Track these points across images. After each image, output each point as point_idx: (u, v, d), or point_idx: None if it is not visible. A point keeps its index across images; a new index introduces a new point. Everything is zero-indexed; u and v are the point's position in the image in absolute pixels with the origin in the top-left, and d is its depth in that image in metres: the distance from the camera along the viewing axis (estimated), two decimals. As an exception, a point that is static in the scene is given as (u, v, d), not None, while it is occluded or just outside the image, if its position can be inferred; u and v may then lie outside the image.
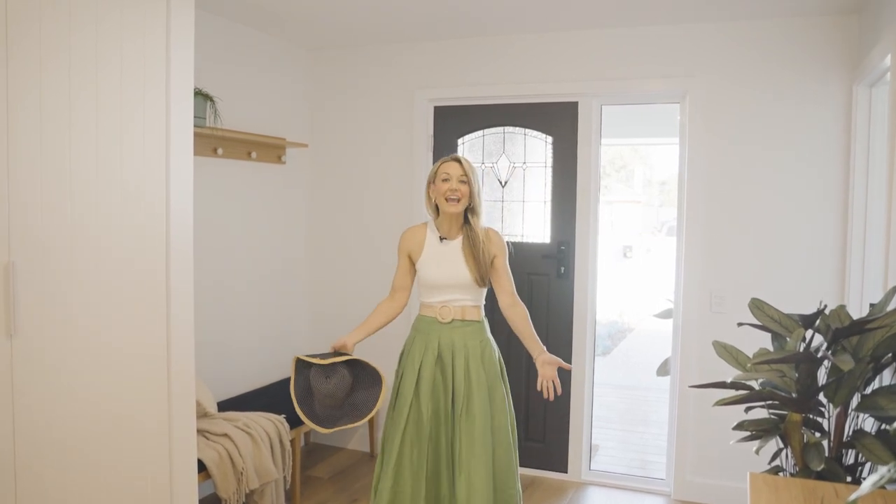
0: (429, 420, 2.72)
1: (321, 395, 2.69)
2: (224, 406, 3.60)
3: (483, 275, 2.79)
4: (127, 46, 2.33)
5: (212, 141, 3.66)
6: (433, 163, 4.25)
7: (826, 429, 2.26)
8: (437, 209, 2.84)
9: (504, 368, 2.92)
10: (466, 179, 2.75)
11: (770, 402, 2.30)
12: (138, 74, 2.38)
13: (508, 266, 2.87)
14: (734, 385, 2.31)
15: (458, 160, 2.79)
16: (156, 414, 2.51)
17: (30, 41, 2.02)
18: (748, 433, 2.39)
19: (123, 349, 2.37)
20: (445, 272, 2.79)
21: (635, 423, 5.45)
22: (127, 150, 2.35)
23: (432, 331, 2.81)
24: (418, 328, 2.87)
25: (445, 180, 2.76)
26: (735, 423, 2.53)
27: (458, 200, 2.74)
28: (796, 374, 2.20)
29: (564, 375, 4.09)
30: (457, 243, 2.82)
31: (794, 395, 2.20)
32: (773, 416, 2.34)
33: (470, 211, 2.80)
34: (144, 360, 2.46)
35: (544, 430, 4.17)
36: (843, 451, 2.20)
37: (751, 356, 2.49)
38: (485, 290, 2.87)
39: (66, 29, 2.12)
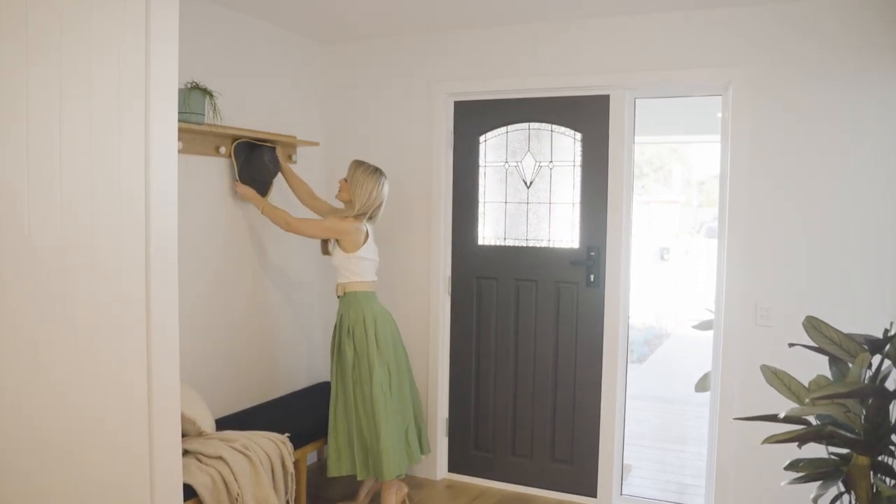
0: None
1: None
2: (225, 423, 3.36)
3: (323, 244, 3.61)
4: (98, 37, 2.09)
5: (213, 139, 3.43)
6: (453, 160, 4.05)
7: (898, 474, 1.92)
8: None
9: (369, 345, 3.36)
10: (347, 179, 3.48)
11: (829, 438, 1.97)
12: (112, 68, 2.14)
13: (309, 225, 3.51)
14: (787, 419, 1.98)
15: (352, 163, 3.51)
16: (134, 434, 2.27)
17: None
18: (802, 474, 2.06)
19: (95, 364, 2.14)
20: None
21: (671, 440, 5.09)
22: (98, 149, 2.11)
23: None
24: None
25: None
26: (784, 455, 2.21)
27: (339, 192, 3.54)
28: (863, 410, 1.87)
29: (594, 389, 3.78)
30: None
31: (860, 434, 1.86)
32: (833, 457, 2.01)
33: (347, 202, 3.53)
34: (120, 374, 2.23)
35: (572, 450, 3.86)
36: (921, 502, 1.87)
37: (805, 384, 2.16)
38: (348, 265, 3.42)
39: (22, 18, 1.89)
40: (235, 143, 3.57)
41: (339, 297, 3.50)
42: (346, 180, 3.48)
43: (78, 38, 2.04)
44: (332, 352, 3.50)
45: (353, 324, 3.40)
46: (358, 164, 3.48)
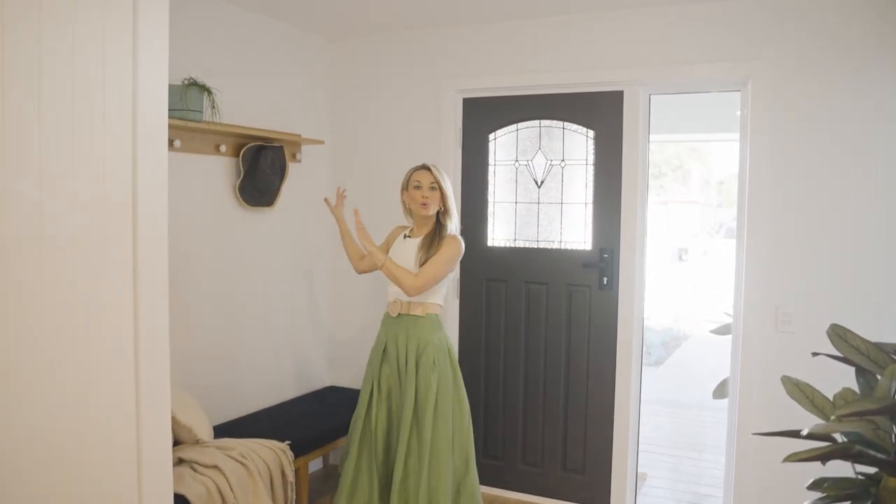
0: (377, 428, 2.97)
1: None
2: (224, 429, 3.27)
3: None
4: (82, 29, 2.00)
5: (213, 137, 3.33)
6: (462, 159, 3.93)
7: (933, 497, 1.78)
8: (411, 212, 3.09)
9: (455, 370, 3.00)
10: (437, 186, 2.99)
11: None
12: (97, 65, 2.04)
13: (439, 267, 2.93)
14: (811, 436, 1.84)
15: (427, 168, 3.02)
16: (120, 441, 2.17)
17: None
18: (826, 495, 1.92)
19: (95, 363, 2.06)
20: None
21: (688, 447, 4.93)
22: (80, 146, 2.02)
23: (384, 325, 3.07)
24: (382, 322, 3.10)
25: (417, 187, 3.00)
26: (807, 468, 2.07)
27: (428, 205, 2.99)
28: (894, 428, 1.73)
29: (607, 396, 3.65)
30: (417, 240, 3.03)
31: (891, 454, 1.72)
32: (860, 477, 1.86)
33: (442, 213, 3.04)
34: (114, 374, 2.14)
35: (584, 458, 3.72)
36: (957, 528, 1.72)
37: (830, 396, 2.01)
38: (437, 288, 2.99)
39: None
40: (244, 148, 3.48)
41: (395, 316, 3.00)
42: (432, 188, 2.97)
43: (59, 30, 1.95)
44: (397, 382, 2.99)
45: (437, 354, 2.92)
46: (435, 167, 3.02)
